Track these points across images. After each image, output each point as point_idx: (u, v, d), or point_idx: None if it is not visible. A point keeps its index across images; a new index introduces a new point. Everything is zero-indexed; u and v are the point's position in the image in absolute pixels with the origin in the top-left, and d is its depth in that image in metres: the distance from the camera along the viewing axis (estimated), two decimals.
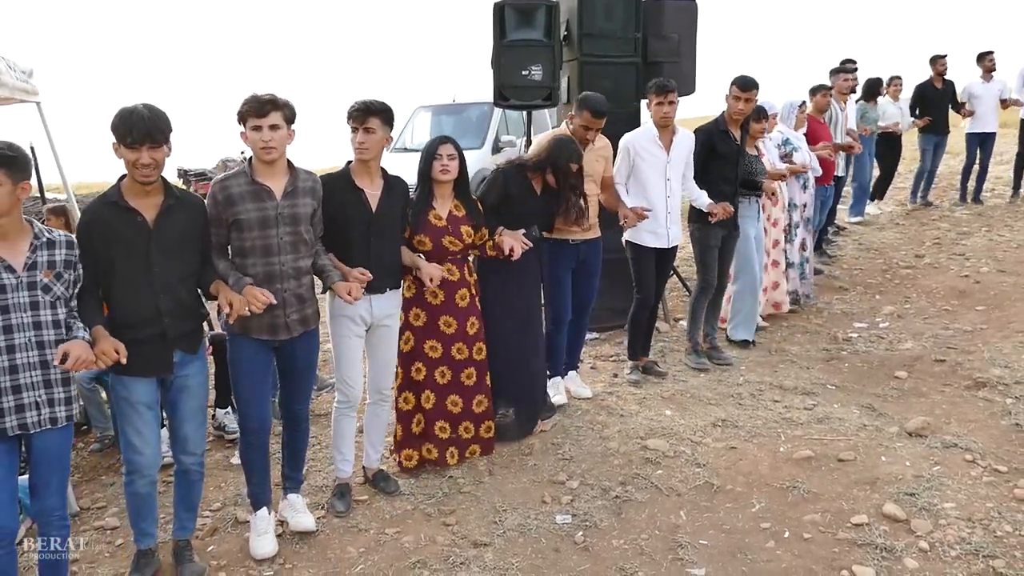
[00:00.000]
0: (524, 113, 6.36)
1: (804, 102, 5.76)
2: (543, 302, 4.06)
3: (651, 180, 4.24)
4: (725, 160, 4.51)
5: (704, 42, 5.32)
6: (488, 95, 5.18)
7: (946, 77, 8.36)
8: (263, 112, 2.70)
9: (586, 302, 4.24)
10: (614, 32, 5.02)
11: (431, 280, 3.27)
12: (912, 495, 3.12)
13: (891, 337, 5.14)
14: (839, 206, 7.53)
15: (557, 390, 4.23)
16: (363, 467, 3.53)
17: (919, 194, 8.98)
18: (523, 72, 4.83)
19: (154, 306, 2.62)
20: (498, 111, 9.73)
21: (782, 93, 6.00)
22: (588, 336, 4.76)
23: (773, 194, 4.77)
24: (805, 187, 5.66)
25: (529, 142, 5.49)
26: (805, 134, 5.75)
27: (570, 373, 4.38)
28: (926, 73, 8.43)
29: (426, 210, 3.39)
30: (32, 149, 4.31)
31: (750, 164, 4.78)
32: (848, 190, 8.19)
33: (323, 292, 3.10)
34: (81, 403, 4.05)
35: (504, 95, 4.95)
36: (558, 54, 4.93)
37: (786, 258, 5.57)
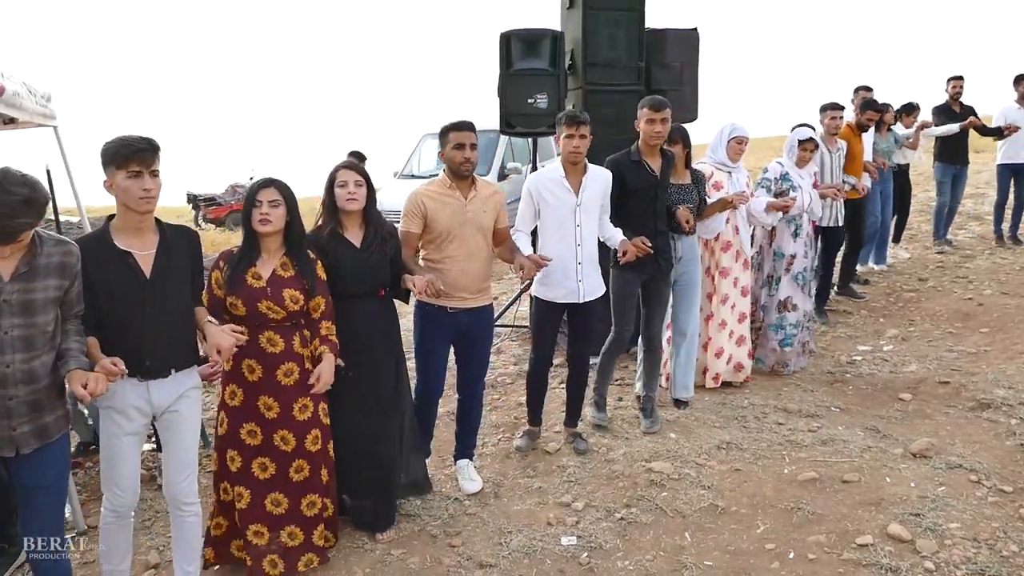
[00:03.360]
0: (529, 140, 6.46)
1: (811, 139, 4.94)
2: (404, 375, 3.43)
3: (559, 226, 3.67)
4: (641, 196, 3.91)
5: (706, 70, 5.38)
6: (494, 122, 5.27)
7: (963, 100, 7.61)
8: None
9: (473, 378, 3.65)
10: (618, 61, 5.11)
11: (217, 353, 2.54)
12: (917, 515, 3.13)
13: (895, 359, 5.16)
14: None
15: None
16: None
17: (940, 232, 8.09)
18: (529, 100, 4.93)
19: None
20: (504, 138, 9.87)
21: (783, 122, 5.68)
22: (591, 360, 4.27)
23: (688, 222, 3.95)
24: (796, 234, 4.95)
25: (534, 167, 5.58)
26: None
27: (460, 462, 3.72)
28: (934, 99, 7.78)
29: (247, 267, 2.81)
30: (48, 172, 4.40)
31: (680, 196, 4.10)
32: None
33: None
34: (91, 422, 4.11)
35: (510, 122, 5.05)
36: (563, 82, 5.03)
37: (765, 315, 5.01)
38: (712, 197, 4.37)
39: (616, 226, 3.85)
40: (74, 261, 2.36)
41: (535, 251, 3.68)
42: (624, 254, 3.66)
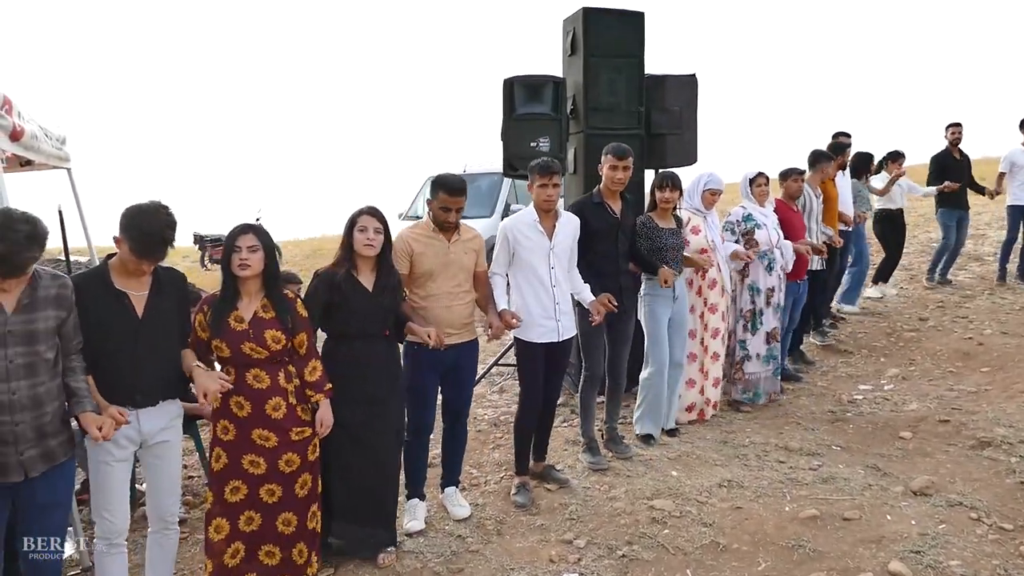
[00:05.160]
0: None
1: (760, 173, 5.16)
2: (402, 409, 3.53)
3: (535, 268, 3.80)
4: (602, 236, 4.09)
5: (705, 114, 5.50)
6: (498, 165, 5.39)
7: (962, 148, 7.79)
8: None
9: (458, 407, 3.78)
10: (618, 106, 5.24)
11: (204, 396, 2.72)
12: (918, 553, 3.13)
13: (896, 399, 5.19)
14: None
15: (413, 515, 3.64)
16: None
17: (939, 272, 8.19)
18: (531, 144, 5.04)
19: None
20: (507, 181, 10.04)
21: (782, 163, 5.67)
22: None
23: (666, 282, 4.18)
24: (770, 268, 5.08)
25: None
26: (780, 223, 5.21)
27: (448, 490, 3.84)
28: (928, 147, 8.13)
29: (229, 310, 2.91)
30: (60, 213, 4.52)
31: (659, 237, 4.36)
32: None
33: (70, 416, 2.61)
34: None
35: (513, 165, 5.16)
36: (565, 127, 5.17)
37: (742, 348, 5.13)
38: (691, 240, 4.65)
39: (584, 267, 4.03)
40: (68, 293, 2.55)
41: (510, 294, 3.84)
42: (593, 319, 3.89)
